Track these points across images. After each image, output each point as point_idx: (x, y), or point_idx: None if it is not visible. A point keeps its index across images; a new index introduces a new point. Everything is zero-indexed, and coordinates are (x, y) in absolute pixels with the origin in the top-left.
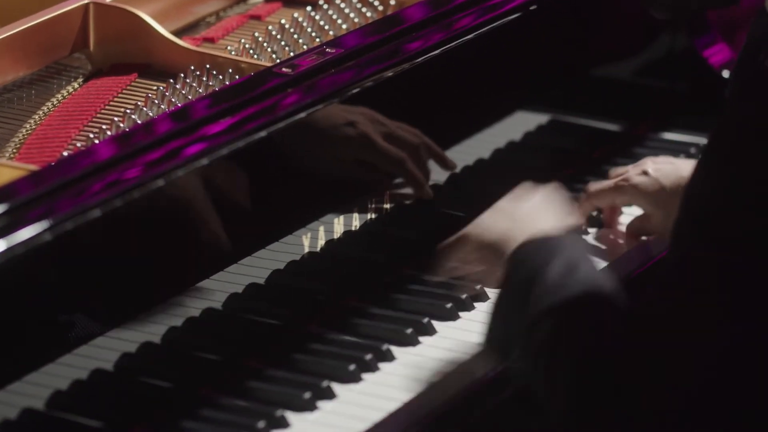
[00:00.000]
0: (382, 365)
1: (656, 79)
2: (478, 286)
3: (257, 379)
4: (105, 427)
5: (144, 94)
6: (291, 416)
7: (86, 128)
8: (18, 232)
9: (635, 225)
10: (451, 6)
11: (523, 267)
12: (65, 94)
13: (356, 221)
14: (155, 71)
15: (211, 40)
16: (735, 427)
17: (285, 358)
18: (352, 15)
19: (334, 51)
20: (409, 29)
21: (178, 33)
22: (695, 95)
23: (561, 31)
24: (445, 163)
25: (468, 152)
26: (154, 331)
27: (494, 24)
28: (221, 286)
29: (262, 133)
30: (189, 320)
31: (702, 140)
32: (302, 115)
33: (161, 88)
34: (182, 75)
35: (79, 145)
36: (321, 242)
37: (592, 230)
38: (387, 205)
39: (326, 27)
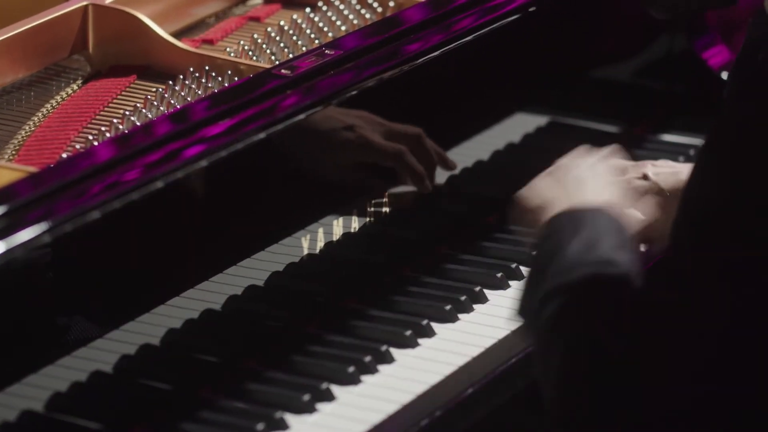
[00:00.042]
0: (381, 367)
1: (655, 81)
2: (477, 288)
3: (256, 381)
4: (104, 429)
5: (143, 96)
6: (290, 418)
7: (85, 130)
8: (17, 234)
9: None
10: (450, 7)
11: (549, 240)
12: (64, 95)
13: (355, 223)
14: (154, 73)
15: (210, 42)
16: (734, 427)
17: (284, 360)
18: (351, 17)
19: (333, 53)
20: (408, 31)
21: (177, 35)
22: (694, 97)
23: (560, 33)
24: (445, 163)
25: (467, 154)
26: (153, 332)
27: (493, 25)
28: (220, 288)
29: (261, 135)
30: (188, 322)
31: (701, 142)
32: (301, 116)
33: (160, 89)
34: (181, 77)
35: (78, 146)
36: (320, 244)
37: None
38: (386, 207)
39: (325, 29)
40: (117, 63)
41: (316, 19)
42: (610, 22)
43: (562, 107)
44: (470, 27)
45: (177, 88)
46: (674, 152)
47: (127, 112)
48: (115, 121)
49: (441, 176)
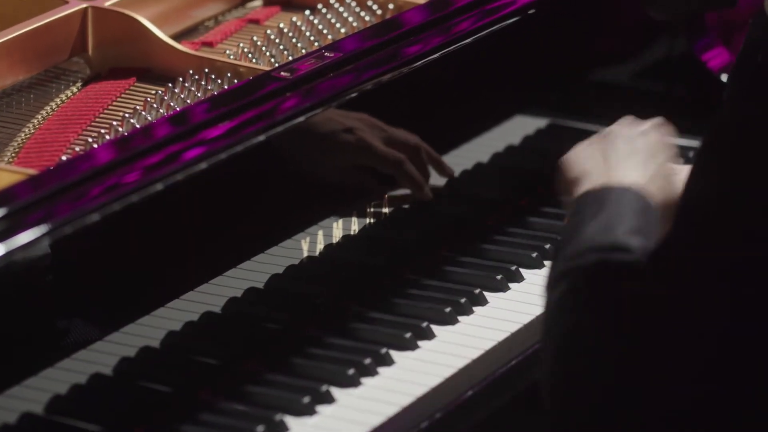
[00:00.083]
0: (381, 369)
1: (655, 83)
2: (477, 290)
3: (256, 384)
4: (104, 431)
5: (143, 99)
6: (290, 420)
7: (85, 132)
8: (17, 236)
9: None
10: (449, 10)
11: (573, 219)
12: (64, 98)
13: (355, 225)
14: (154, 75)
15: (209, 45)
16: (734, 427)
17: (284, 363)
18: (350, 19)
19: (332, 55)
20: (407, 33)
21: (176, 37)
22: (694, 99)
23: (560, 35)
24: (442, 169)
25: (467, 156)
26: (153, 335)
27: (493, 28)
28: (220, 290)
29: (261, 137)
30: (188, 324)
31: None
32: (301, 119)
33: (160, 92)
34: (181, 79)
35: (77, 149)
36: (320, 246)
37: None
38: (386, 210)
39: (325, 31)
40: (116, 65)
41: (316, 21)
42: (610, 24)
43: (562, 109)
44: (470, 29)
45: (176, 90)
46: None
47: (127, 115)
48: (114, 123)
49: (440, 179)
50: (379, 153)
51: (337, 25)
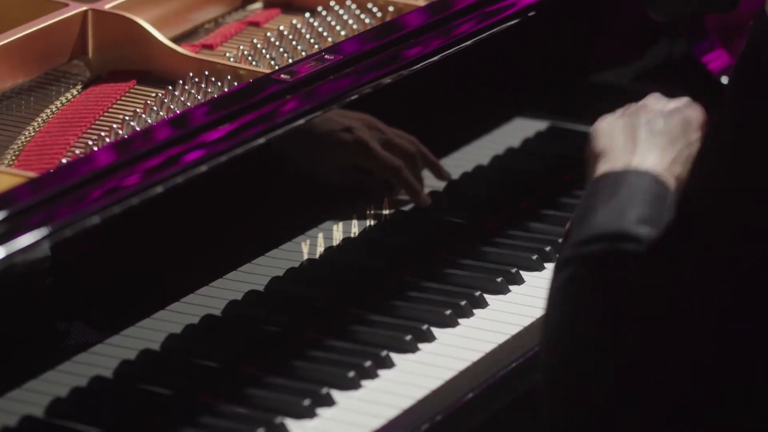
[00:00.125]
0: (381, 372)
1: (655, 85)
2: (478, 293)
3: (256, 386)
4: None
5: (143, 101)
6: (290, 423)
7: (85, 135)
8: (17, 239)
9: None
10: (450, 12)
11: (586, 201)
12: (64, 101)
13: (355, 228)
14: (154, 78)
15: (209, 47)
16: (734, 427)
17: (284, 365)
18: (350, 21)
19: (332, 57)
20: (407, 35)
21: (176, 40)
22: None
23: (560, 37)
24: (440, 173)
25: (466, 159)
26: (153, 338)
27: (493, 30)
28: (220, 293)
29: (261, 140)
30: (188, 327)
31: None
32: (301, 121)
33: (160, 95)
34: (181, 82)
35: (78, 152)
36: (320, 249)
37: None
38: (386, 212)
39: (325, 34)
40: (116, 68)
41: (316, 24)
42: (610, 26)
43: (562, 112)
44: (470, 32)
45: (176, 93)
46: None
47: (127, 117)
48: (114, 126)
49: (441, 182)
50: (378, 157)
51: (337, 27)
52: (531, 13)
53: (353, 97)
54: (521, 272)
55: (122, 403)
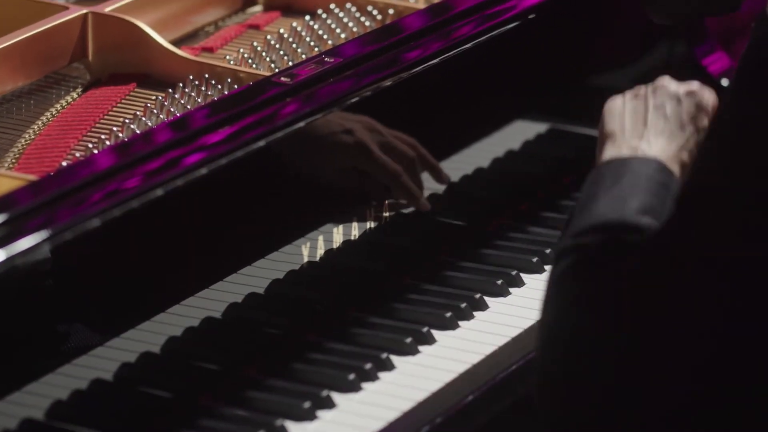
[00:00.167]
0: (381, 374)
1: None
2: (478, 295)
3: (257, 389)
4: None
5: (143, 104)
6: (290, 425)
7: (85, 138)
8: (17, 242)
9: None
10: (449, 15)
11: (589, 188)
12: (64, 104)
13: (355, 230)
14: (154, 81)
15: (209, 50)
16: (734, 427)
17: (284, 368)
18: (350, 24)
19: (332, 60)
20: (407, 38)
21: (176, 42)
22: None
23: (560, 40)
24: (439, 176)
25: (467, 161)
26: (153, 340)
27: (493, 33)
28: (220, 296)
29: (261, 143)
30: (188, 330)
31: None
32: (301, 124)
33: (160, 97)
34: (181, 85)
35: (78, 155)
36: (320, 252)
37: None
38: (386, 214)
39: (325, 36)
40: (116, 71)
41: (316, 26)
42: (610, 28)
43: (562, 114)
44: (470, 34)
45: (177, 96)
46: None
47: (127, 120)
48: (114, 129)
49: (441, 185)
50: (377, 161)
51: (337, 30)
52: (531, 16)
53: (353, 100)
54: (521, 275)
55: (122, 406)
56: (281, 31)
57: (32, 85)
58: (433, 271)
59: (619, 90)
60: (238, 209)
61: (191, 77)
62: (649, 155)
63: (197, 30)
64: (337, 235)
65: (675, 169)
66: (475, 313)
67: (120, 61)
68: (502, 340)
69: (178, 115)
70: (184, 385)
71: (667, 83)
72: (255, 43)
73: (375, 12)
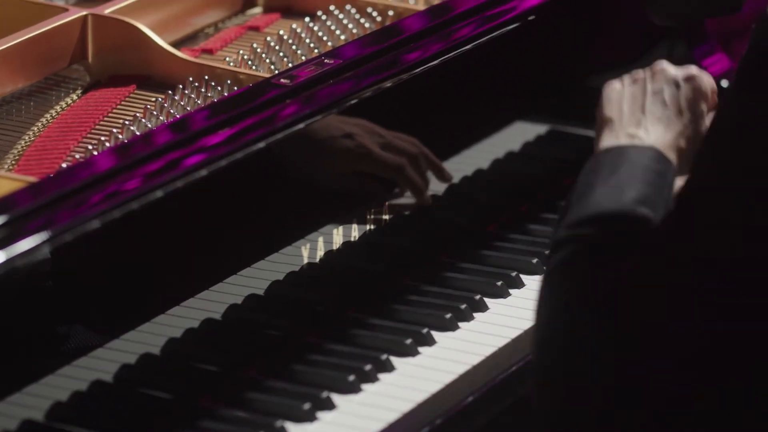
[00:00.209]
0: (381, 376)
1: None
2: (477, 296)
3: (257, 390)
4: None
5: (143, 106)
6: (291, 427)
7: (85, 140)
8: (17, 244)
9: None
10: (449, 16)
11: (587, 177)
12: (64, 105)
13: (355, 232)
14: (154, 83)
15: (209, 52)
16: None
17: (284, 369)
18: (350, 26)
19: (332, 62)
20: (407, 40)
21: (176, 44)
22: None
23: (560, 41)
24: (441, 174)
25: (467, 162)
26: (153, 342)
27: (493, 34)
28: (220, 297)
29: (261, 144)
30: (188, 331)
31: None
32: (301, 125)
33: (160, 99)
34: (181, 86)
35: (77, 156)
36: (320, 253)
37: None
38: (386, 216)
39: (325, 38)
40: (116, 73)
41: (316, 28)
42: (610, 30)
43: (562, 116)
44: (470, 36)
45: (176, 97)
46: None
47: (127, 122)
48: (114, 130)
49: (440, 185)
50: (379, 158)
51: (337, 32)
52: (531, 17)
53: (353, 102)
54: (521, 276)
55: (122, 407)
56: (281, 32)
57: (32, 86)
58: (432, 272)
59: None
60: (237, 211)
61: (191, 79)
62: (647, 144)
63: (197, 32)
64: (337, 236)
65: (672, 156)
66: (474, 315)
67: (120, 62)
68: (501, 342)
69: (177, 116)
70: (184, 386)
71: (666, 67)
72: (255, 45)
73: (375, 13)
